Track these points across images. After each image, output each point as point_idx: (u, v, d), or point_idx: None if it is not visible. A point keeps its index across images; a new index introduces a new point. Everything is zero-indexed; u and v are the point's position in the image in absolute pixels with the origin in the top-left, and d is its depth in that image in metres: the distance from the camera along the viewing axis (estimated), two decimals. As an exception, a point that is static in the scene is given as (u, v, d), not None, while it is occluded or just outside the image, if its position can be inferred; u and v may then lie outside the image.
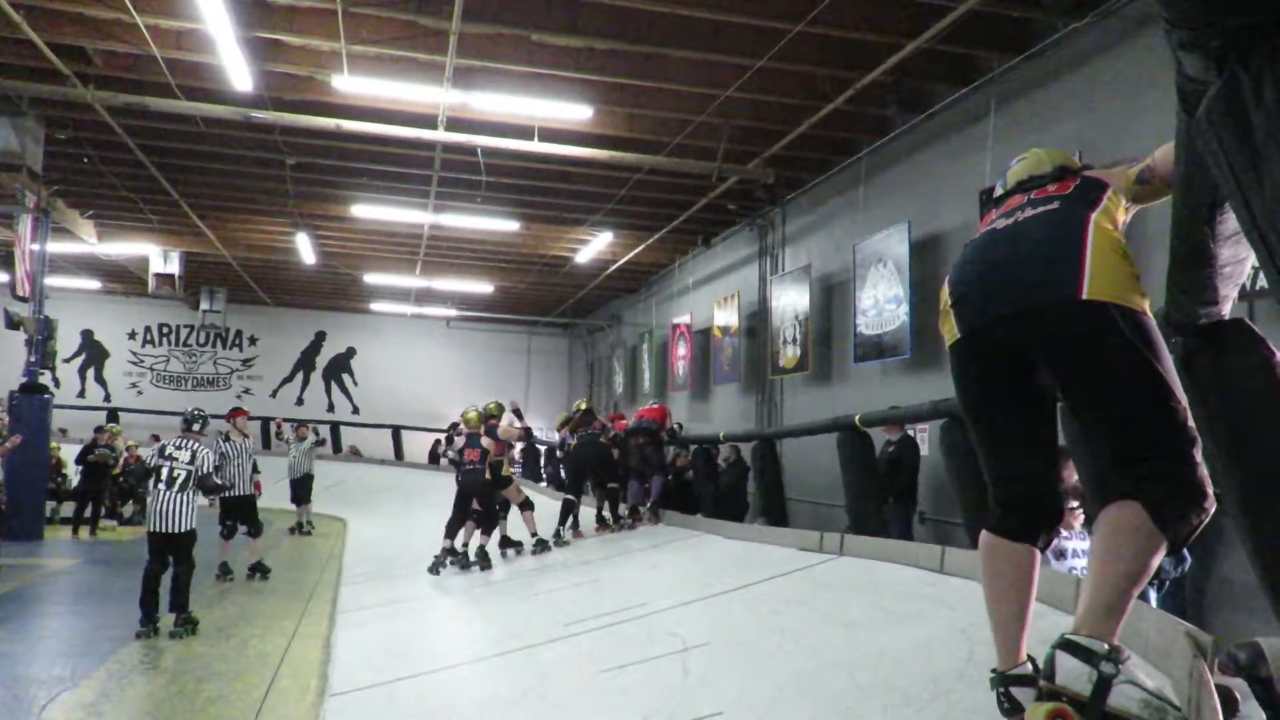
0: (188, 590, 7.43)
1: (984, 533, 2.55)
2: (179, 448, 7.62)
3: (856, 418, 8.42)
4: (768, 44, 8.69)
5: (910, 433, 9.45)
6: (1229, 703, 2.75)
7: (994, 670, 2.48)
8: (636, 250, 16.91)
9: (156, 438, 7.67)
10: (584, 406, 11.16)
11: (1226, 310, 2.79)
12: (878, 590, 4.98)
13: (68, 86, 10.00)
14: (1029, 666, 2.40)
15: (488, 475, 9.68)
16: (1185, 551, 4.64)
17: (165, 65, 9.47)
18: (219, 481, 8.33)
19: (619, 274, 19.37)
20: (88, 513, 14.15)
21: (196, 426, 8.03)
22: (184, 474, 7.46)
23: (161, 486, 7.40)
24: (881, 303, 10.61)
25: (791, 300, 13.21)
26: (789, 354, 13.26)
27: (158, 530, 7.39)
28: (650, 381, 19.26)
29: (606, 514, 10.40)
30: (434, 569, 9.29)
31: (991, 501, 2.57)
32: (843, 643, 4.30)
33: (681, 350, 17.85)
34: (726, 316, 15.66)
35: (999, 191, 2.88)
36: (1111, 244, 2.38)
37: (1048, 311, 2.34)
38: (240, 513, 10.07)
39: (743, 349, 15.12)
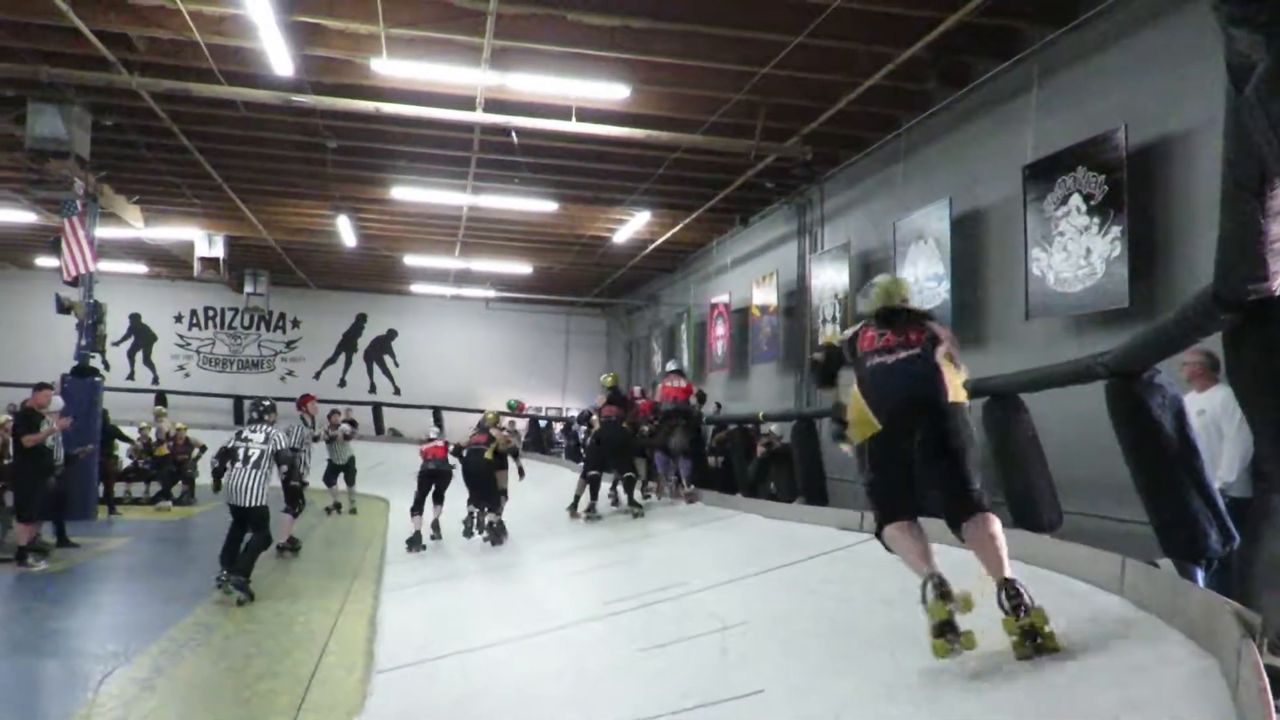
0: (253, 559, 8.17)
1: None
2: (254, 431, 8.62)
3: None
4: (805, 20, 8.58)
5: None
6: (1279, 683, 2.72)
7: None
8: (674, 230, 16.85)
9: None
10: (610, 383, 11.43)
11: (1276, 286, 2.74)
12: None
13: (112, 73, 10.15)
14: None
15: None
16: (1233, 529, 4.57)
17: (207, 50, 9.56)
18: (293, 451, 9.53)
19: (656, 254, 19.33)
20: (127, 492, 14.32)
21: (266, 415, 8.88)
22: (258, 453, 8.39)
23: (239, 464, 8.33)
24: (922, 280, 10.49)
25: (830, 279, 13.12)
26: (828, 332, 13.16)
27: (232, 503, 8.36)
28: (689, 361, 19.23)
29: (623, 497, 10.70)
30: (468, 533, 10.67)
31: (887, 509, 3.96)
32: (882, 622, 4.31)
33: (720, 329, 17.80)
34: (765, 295, 15.58)
35: (869, 308, 4.20)
36: (951, 370, 3.92)
37: (932, 405, 3.83)
38: (287, 491, 10.54)
39: (781, 328, 15.03)
